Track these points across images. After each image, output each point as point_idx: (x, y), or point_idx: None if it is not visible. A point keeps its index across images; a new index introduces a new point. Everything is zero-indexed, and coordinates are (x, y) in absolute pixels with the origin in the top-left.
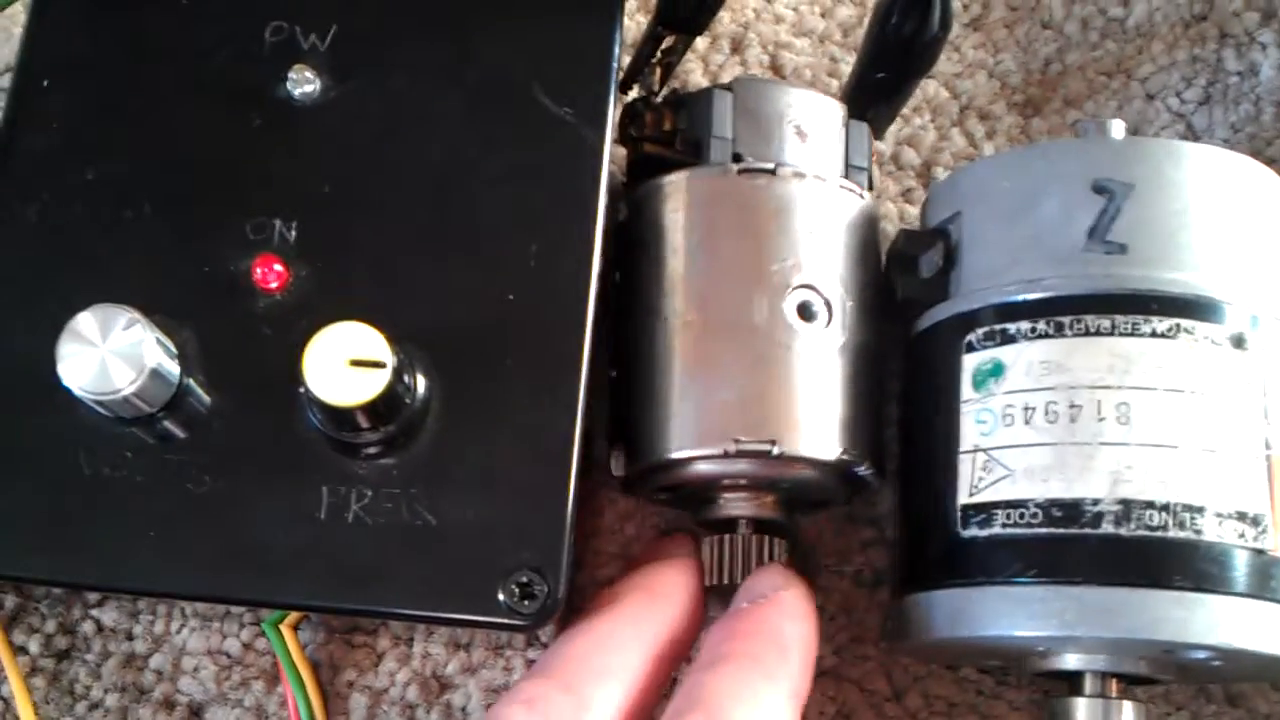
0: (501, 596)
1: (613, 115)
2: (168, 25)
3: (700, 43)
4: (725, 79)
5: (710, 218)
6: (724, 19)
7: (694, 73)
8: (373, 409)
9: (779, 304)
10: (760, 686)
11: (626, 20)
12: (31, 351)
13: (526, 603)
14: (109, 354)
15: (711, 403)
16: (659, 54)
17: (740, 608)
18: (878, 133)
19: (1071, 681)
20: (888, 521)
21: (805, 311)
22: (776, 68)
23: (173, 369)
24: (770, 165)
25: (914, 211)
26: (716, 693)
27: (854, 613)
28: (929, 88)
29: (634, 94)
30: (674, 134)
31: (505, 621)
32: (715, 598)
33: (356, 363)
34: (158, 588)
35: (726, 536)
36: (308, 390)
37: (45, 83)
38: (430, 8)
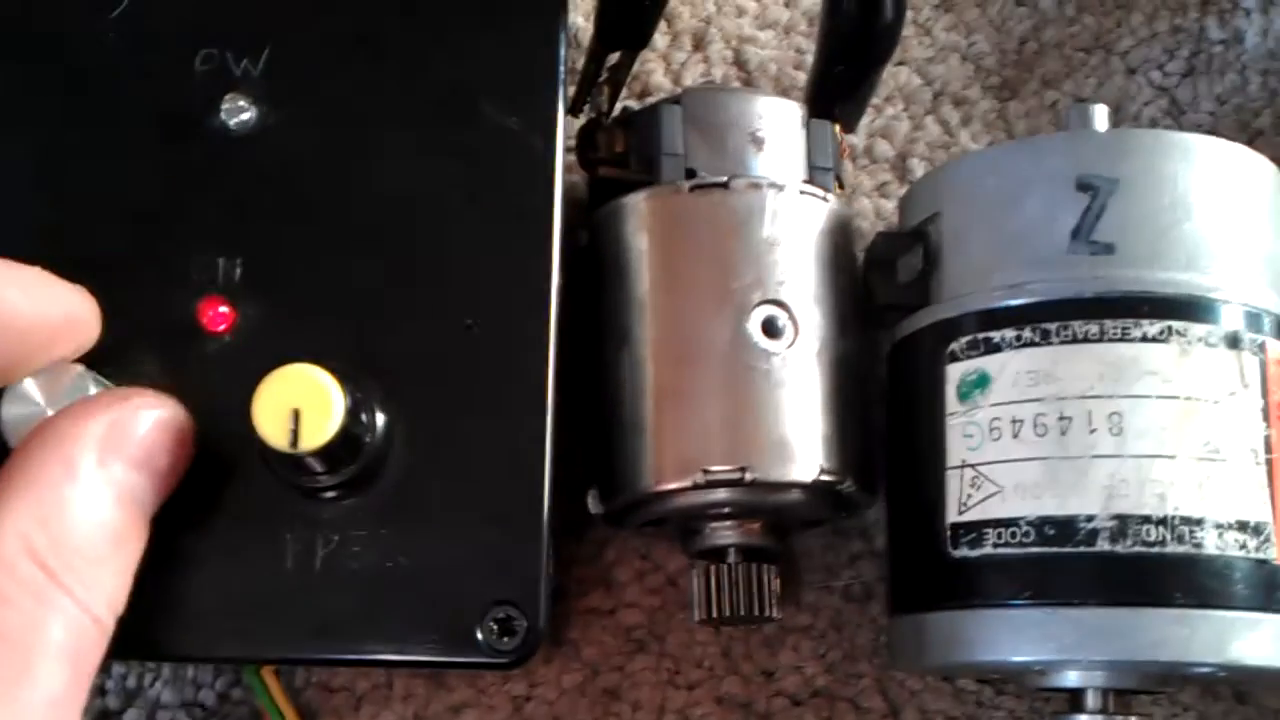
0: (480, 635)
1: (562, 122)
2: (94, 63)
3: (660, 41)
4: (688, 78)
5: (668, 239)
6: (684, 15)
7: (655, 73)
8: (329, 452)
9: (743, 323)
10: None
11: (580, 20)
12: None
13: (506, 639)
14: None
15: (682, 432)
16: (606, 72)
17: None
18: (848, 127)
19: (1072, 697)
20: (877, 530)
21: (771, 328)
22: (741, 63)
23: None
24: (723, 179)
25: (890, 206)
26: None
27: (845, 629)
28: (900, 75)
29: (585, 116)
30: (627, 154)
31: (486, 661)
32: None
33: (308, 406)
34: (123, 651)
35: (716, 566)
36: (260, 439)
37: None
38: (365, 25)
